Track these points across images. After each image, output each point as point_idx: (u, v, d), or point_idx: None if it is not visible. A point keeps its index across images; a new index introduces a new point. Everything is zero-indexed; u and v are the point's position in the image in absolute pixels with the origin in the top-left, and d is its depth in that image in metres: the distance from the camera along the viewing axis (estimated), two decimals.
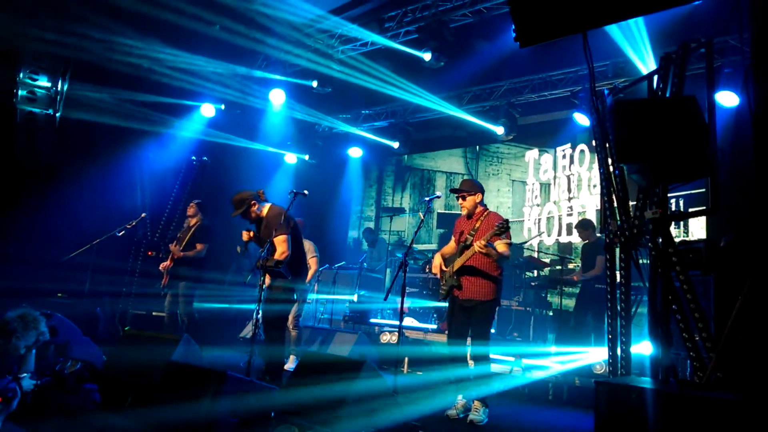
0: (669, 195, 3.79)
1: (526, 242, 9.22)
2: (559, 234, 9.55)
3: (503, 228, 4.61)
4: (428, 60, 7.73)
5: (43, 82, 7.85)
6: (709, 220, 7.50)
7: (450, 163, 11.48)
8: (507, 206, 10.30)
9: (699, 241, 5.05)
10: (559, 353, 6.34)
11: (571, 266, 8.23)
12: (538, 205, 9.96)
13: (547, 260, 8.99)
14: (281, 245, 5.15)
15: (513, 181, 10.48)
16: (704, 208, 3.52)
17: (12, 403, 2.89)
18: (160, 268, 6.86)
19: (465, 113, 9.79)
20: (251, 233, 5.32)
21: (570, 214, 9.44)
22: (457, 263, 4.84)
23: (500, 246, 4.68)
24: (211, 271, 9.90)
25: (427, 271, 8.77)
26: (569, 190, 9.56)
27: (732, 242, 5.31)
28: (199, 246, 6.72)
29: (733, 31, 6.49)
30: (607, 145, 4.18)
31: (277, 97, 9.56)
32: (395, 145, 10.97)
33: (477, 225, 4.84)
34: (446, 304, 5.17)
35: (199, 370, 3.80)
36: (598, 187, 8.86)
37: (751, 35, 3.33)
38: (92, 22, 7.60)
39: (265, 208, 5.41)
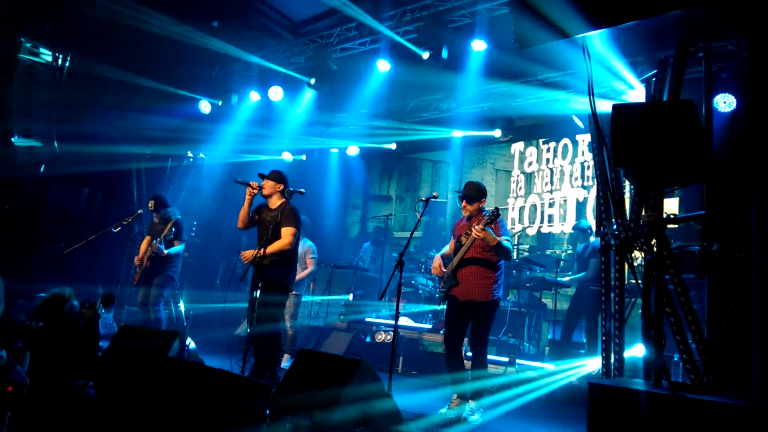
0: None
1: (515, 242, 9.28)
2: (541, 223, 9.70)
3: (494, 215, 4.66)
4: (427, 59, 7.75)
5: (46, 56, 7.85)
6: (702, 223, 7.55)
7: (436, 152, 11.50)
8: (491, 195, 10.30)
9: (694, 244, 5.07)
10: (556, 367, 6.34)
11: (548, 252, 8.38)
12: (521, 196, 10.13)
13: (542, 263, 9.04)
14: (288, 237, 5.20)
15: (497, 170, 10.60)
16: (700, 212, 3.54)
17: (20, 392, 2.93)
18: (135, 262, 6.86)
19: (460, 129, 9.98)
20: (258, 188, 5.37)
21: (552, 205, 9.61)
22: (455, 260, 4.88)
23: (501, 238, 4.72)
24: (202, 268, 9.93)
25: (422, 270, 8.79)
26: (552, 183, 9.74)
27: (724, 246, 5.35)
28: (176, 243, 6.73)
29: (731, 36, 6.52)
30: (604, 149, 4.21)
31: (276, 95, 9.54)
32: (393, 146, 10.99)
33: (474, 224, 4.87)
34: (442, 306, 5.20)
35: (195, 368, 3.81)
36: (580, 180, 9.17)
37: (748, 40, 3.36)
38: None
39: (281, 201, 5.45)
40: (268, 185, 5.43)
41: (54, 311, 3.78)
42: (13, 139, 8.12)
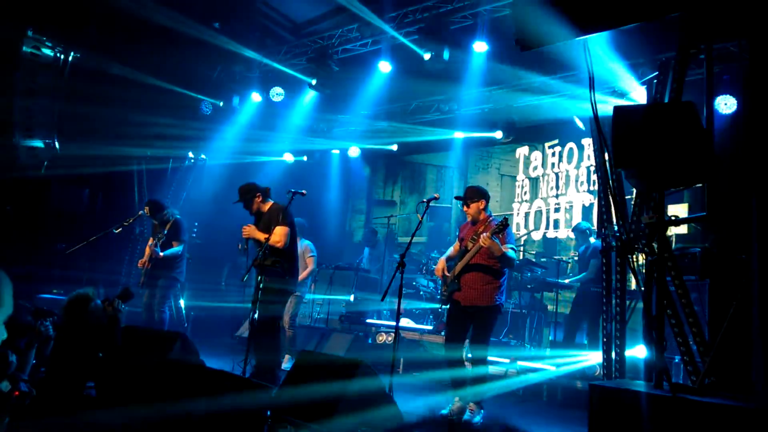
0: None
1: (520, 243, 9.26)
2: (547, 228, 9.66)
3: (503, 224, 4.66)
4: (428, 60, 7.77)
5: (49, 54, 7.85)
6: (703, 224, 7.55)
7: (440, 156, 11.46)
8: (495, 200, 10.33)
9: (695, 246, 5.07)
10: (556, 357, 6.38)
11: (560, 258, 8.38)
12: (526, 201, 10.06)
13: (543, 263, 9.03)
14: (278, 235, 5.15)
15: (502, 175, 10.56)
16: (701, 213, 3.54)
17: (24, 401, 2.99)
18: (138, 265, 6.87)
19: (462, 131, 9.97)
20: (252, 228, 5.32)
21: (557, 210, 9.56)
22: (459, 266, 4.88)
23: (506, 248, 4.73)
24: (205, 270, 9.94)
25: (423, 272, 8.78)
26: (557, 187, 9.67)
27: (717, 241, 5.34)
28: (175, 244, 6.70)
29: (732, 37, 6.51)
30: (606, 150, 4.21)
31: (277, 96, 9.54)
32: (394, 147, 10.99)
33: (480, 229, 4.87)
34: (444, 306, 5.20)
35: (196, 369, 3.82)
36: (586, 185, 9.13)
37: (749, 42, 3.35)
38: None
39: (268, 205, 5.46)
40: (249, 206, 5.41)
41: (79, 311, 3.87)
42: (14, 139, 8.12)
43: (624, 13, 2.99)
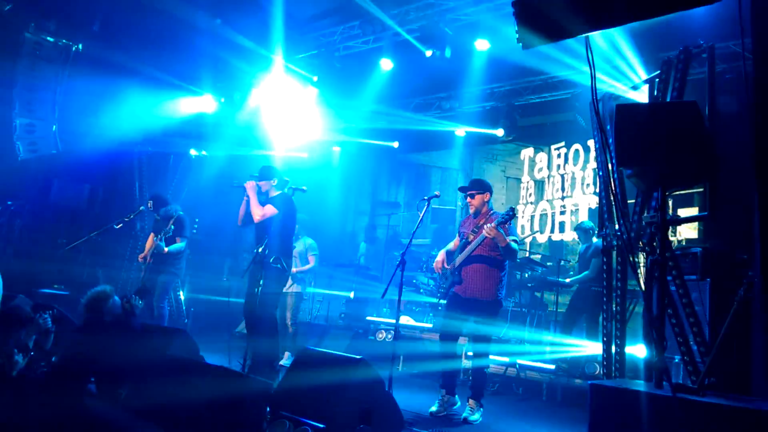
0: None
1: (523, 241, 9.23)
2: (552, 231, 9.61)
3: (510, 215, 4.65)
4: (430, 57, 7.76)
5: (50, 45, 7.85)
6: (704, 224, 7.53)
7: (445, 158, 11.42)
8: (501, 202, 10.28)
9: (696, 246, 5.06)
10: (555, 351, 6.39)
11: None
12: (531, 203, 10.00)
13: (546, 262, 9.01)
14: (264, 210, 5.23)
15: (507, 178, 10.50)
16: (703, 213, 3.53)
17: None
18: (139, 259, 6.89)
19: (465, 125, 9.90)
20: (254, 185, 5.42)
21: (563, 213, 9.50)
22: (460, 258, 4.88)
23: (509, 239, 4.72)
24: (206, 265, 9.95)
25: (424, 270, 8.77)
26: (563, 189, 9.60)
27: (718, 240, 5.33)
28: (178, 240, 6.71)
29: (735, 36, 6.50)
30: (607, 149, 4.20)
31: (279, 92, 9.53)
32: (395, 144, 10.96)
33: (481, 222, 4.87)
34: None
35: (196, 364, 3.81)
36: (592, 187, 9.09)
37: (753, 40, 3.34)
38: None
39: (277, 192, 5.50)
40: (263, 184, 5.47)
41: (98, 308, 3.92)
42: (15, 135, 8.12)
43: (627, 11, 2.97)
